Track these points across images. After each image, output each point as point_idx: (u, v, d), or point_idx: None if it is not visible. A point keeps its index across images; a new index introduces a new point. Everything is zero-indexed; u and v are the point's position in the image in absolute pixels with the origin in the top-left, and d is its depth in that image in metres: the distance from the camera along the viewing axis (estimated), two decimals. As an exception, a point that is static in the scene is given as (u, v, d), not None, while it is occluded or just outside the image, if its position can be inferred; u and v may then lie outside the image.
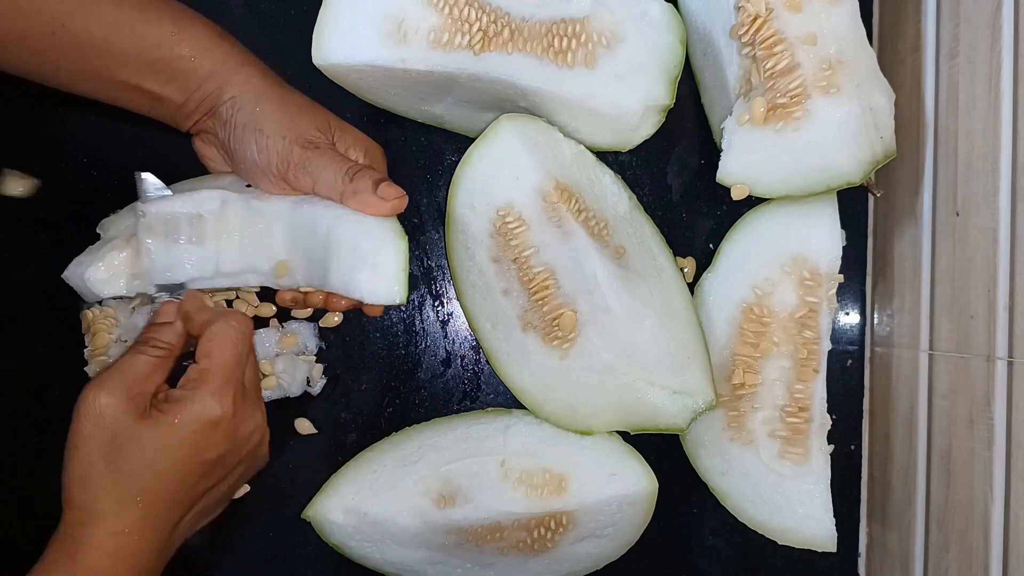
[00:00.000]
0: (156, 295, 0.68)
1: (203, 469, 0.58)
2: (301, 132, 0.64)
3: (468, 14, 0.66)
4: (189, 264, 0.66)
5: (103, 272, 0.65)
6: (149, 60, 0.61)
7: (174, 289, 0.68)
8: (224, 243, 0.66)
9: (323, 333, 0.75)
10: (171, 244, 0.65)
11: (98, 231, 0.68)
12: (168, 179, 0.71)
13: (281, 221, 0.66)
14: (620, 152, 0.74)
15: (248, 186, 0.67)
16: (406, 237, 0.63)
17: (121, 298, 0.69)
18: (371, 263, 0.62)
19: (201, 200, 0.65)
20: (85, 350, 0.71)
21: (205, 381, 0.58)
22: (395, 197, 0.63)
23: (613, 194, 0.71)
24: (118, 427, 0.55)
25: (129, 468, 0.55)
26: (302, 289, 0.68)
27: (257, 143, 0.63)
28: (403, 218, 0.75)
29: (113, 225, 0.68)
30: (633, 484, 0.70)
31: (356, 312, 0.75)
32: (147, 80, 0.62)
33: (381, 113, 0.73)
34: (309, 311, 0.73)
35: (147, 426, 0.56)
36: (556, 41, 0.67)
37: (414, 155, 0.75)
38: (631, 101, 0.68)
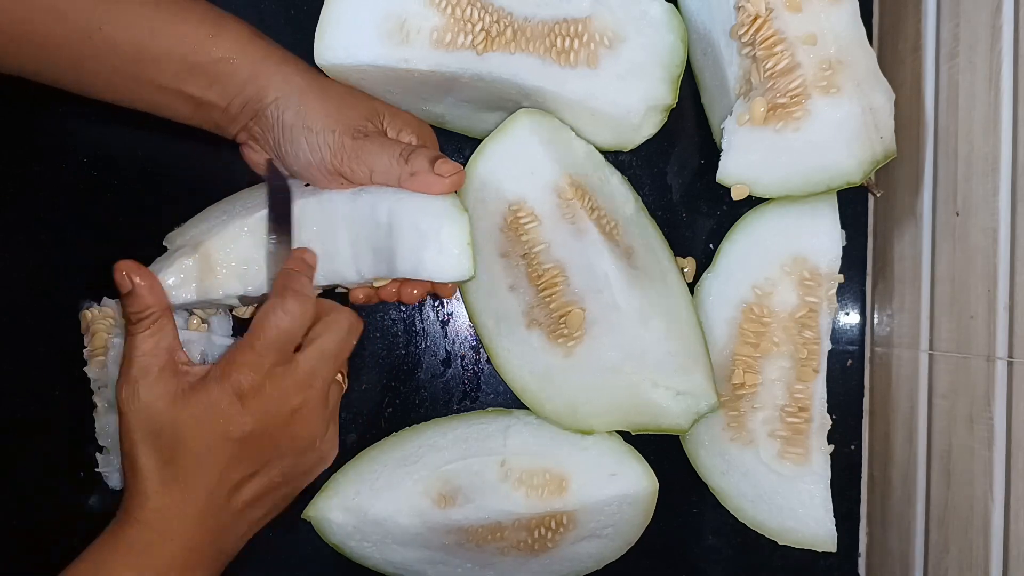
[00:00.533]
0: (236, 305, 0.69)
1: (231, 448, 0.57)
2: (349, 122, 0.64)
3: (470, 14, 0.66)
4: (251, 285, 0.66)
5: (173, 278, 0.64)
6: (189, 64, 0.61)
7: (254, 301, 0.67)
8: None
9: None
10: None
11: (164, 244, 0.68)
12: (184, 187, 0.71)
13: (341, 215, 0.65)
14: (620, 152, 0.74)
15: (307, 185, 0.67)
16: (467, 211, 0.63)
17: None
18: (435, 241, 0.62)
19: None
20: (84, 350, 0.71)
21: (227, 358, 0.58)
22: (453, 173, 0.62)
23: (621, 195, 0.71)
24: (152, 413, 0.57)
25: (166, 448, 0.56)
26: (375, 284, 0.67)
27: (308, 141, 0.63)
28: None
29: (179, 236, 0.68)
30: (633, 484, 0.70)
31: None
32: (188, 84, 0.61)
33: (381, 113, 0.73)
34: None
35: (176, 407, 0.57)
36: (558, 41, 0.67)
37: (414, 155, 0.75)
38: (633, 101, 0.68)
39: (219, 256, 0.65)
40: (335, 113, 0.63)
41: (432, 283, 0.66)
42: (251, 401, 0.57)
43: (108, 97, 0.63)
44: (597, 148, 0.71)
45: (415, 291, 0.67)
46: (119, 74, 0.61)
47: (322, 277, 0.66)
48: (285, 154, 0.64)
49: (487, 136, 0.69)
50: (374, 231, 0.64)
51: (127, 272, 0.59)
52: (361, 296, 0.69)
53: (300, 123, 0.63)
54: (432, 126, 0.74)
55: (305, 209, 0.66)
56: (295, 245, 0.65)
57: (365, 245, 0.65)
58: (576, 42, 0.67)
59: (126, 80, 0.61)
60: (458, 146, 0.74)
